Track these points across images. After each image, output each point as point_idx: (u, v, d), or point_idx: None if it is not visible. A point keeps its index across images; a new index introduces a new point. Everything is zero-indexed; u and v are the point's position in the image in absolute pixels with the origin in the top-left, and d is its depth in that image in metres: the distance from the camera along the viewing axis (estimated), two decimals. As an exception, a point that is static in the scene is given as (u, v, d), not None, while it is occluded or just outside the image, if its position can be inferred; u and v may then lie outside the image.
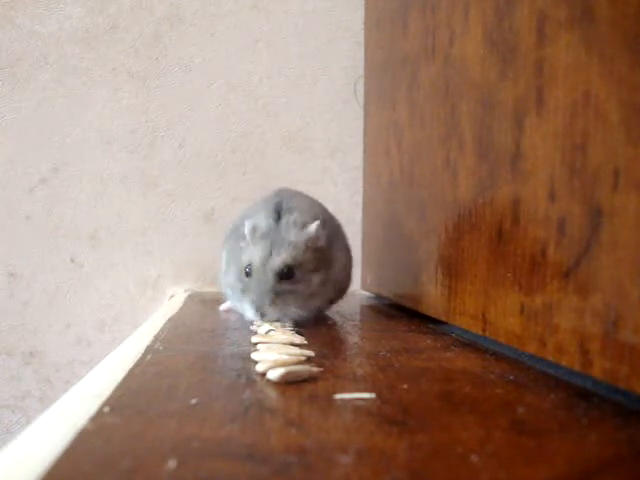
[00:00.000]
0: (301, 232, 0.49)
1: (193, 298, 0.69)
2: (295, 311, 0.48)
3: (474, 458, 0.21)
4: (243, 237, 0.50)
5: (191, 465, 0.20)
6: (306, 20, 0.79)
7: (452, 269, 0.45)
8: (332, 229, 0.54)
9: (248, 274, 0.48)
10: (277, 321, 0.47)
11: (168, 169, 0.78)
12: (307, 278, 0.48)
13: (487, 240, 0.39)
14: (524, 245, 0.34)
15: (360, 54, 0.77)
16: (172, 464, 0.19)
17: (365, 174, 0.75)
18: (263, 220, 0.50)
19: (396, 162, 0.60)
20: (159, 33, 0.77)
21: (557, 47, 0.31)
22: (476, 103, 0.41)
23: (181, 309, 0.59)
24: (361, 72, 0.77)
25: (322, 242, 0.50)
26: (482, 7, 0.40)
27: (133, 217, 0.78)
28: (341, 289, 0.55)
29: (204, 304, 0.64)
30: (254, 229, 0.49)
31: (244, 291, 0.48)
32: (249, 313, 0.47)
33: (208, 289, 0.77)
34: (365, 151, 0.76)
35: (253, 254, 0.48)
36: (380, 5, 0.67)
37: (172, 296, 0.75)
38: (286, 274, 0.47)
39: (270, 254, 0.47)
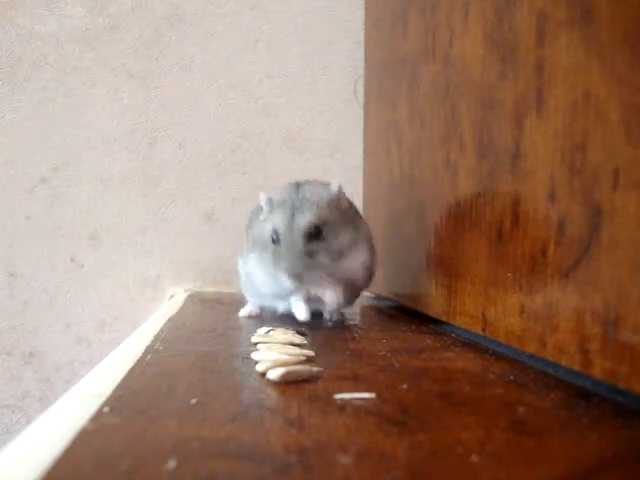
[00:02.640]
0: (322, 193, 0.48)
1: (193, 298, 0.69)
2: (329, 269, 0.46)
3: (474, 458, 0.21)
4: (257, 214, 0.50)
5: (191, 465, 0.20)
6: (306, 20, 0.79)
7: (452, 269, 0.45)
8: (352, 205, 0.52)
9: (275, 240, 0.46)
10: (313, 286, 0.47)
11: (168, 169, 0.78)
12: (335, 235, 0.47)
13: (487, 240, 0.39)
14: (524, 245, 0.34)
15: (360, 54, 0.77)
16: (172, 464, 0.19)
17: (365, 174, 0.75)
18: (280, 193, 0.49)
19: (396, 162, 0.60)
20: (159, 33, 0.77)
21: (557, 47, 0.31)
22: (476, 103, 0.41)
23: (181, 309, 0.59)
24: (361, 72, 0.77)
25: (346, 204, 0.49)
26: (482, 7, 0.40)
27: (133, 217, 0.78)
28: (369, 270, 0.52)
29: (204, 304, 0.64)
30: (270, 200, 0.49)
31: (275, 260, 0.46)
32: (284, 281, 0.45)
33: (208, 289, 0.77)
34: (365, 151, 0.76)
35: (276, 220, 0.47)
36: (380, 5, 0.67)
37: (172, 296, 0.75)
38: (315, 233, 0.46)
39: (293, 216, 0.46)
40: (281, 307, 0.51)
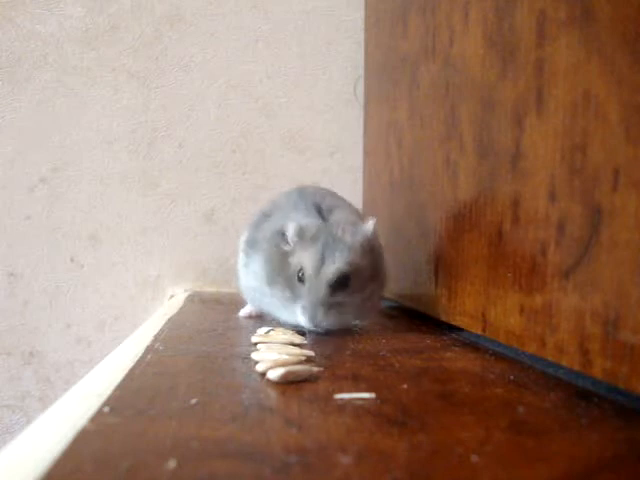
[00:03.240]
0: (356, 232, 0.45)
1: (193, 298, 0.69)
2: (349, 318, 0.45)
3: (474, 458, 0.21)
4: (279, 239, 0.46)
5: (191, 465, 0.20)
6: (306, 20, 0.79)
7: (452, 269, 0.45)
8: (381, 246, 0.50)
9: (300, 279, 0.44)
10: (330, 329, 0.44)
11: (168, 169, 0.78)
12: (362, 287, 0.45)
13: (487, 240, 0.39)
14: (524, 245, 0.34)
15: (360, 54, 0.77)
16: (172, 464, 0.19)
17: (365, 174, 0.75)
18: (307, 220, 0.46)
19: (396, 162, 0.60)
20: (159, 33, 0.77)
21: (557, 47, 0.31)
22: (476, 103, 0.41)
23: (181, 309, 0.59)
24: (361, 72, 0.77)
25: (378, 243, 0.46)
26: (482, 7, 0.40)
27: (133, 217, 0.77)
28: (379, 299, 0.50)
29: (204, 304, 0.64)
30: (302, 230, 0.45)
31: (295, 298, 0.44)
32: (302, 322, 0.44)
33: (208, 289, 0.77)
34: (365, 151, 0.76)
35: (303, 259, 0.44)
36: (380, 5, 0.67)
37: (172, 296, 0.75)
38: (341, 284, 0.43)
39: (323, 259, 0.43)
40: (284, 317, 0.47)
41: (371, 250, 0.45)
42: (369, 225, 0.45)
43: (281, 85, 0.79)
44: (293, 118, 0.79)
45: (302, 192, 0.51)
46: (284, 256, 0.45)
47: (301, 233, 0.45)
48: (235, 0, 0.78)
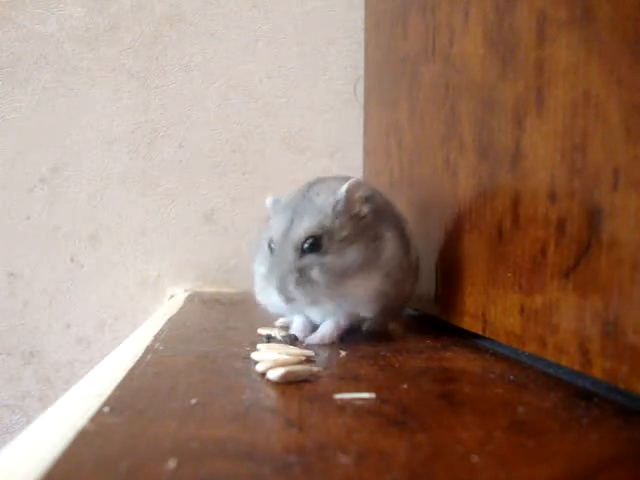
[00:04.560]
0: (330, 196, 0.40)
1: (193, 298, 0.69)
2: (327, 293, 0.39)
3: (474, 458, 0.21)
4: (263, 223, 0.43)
5: (191, 465, 0.20)
6: (306, 20, 0.79)
7: (452, 269, 0.45)
8: (381, 207, 0.44)
9: (271, 250, 0.41)
10: (310, 306, 0.40)
11: (168, 169, 0.78)
12: (340, 250, 0.39)
13: (487, 240, 0.39)
14: (524, 245, 0.34)
15: (360, 54, 0.77)
16: (172, 464, 0.19)
17: (365, 174, 0.75)
18: (289, 194, 0.43)
19: (396, 162, 0.60)
20: (159, 33, 0.77)
21: (557, 47, 0.31)
22: (476, 103, 0.41)
23: (181, 309, 0.59)
24: (361, 72, 0.77)
25: (362, 210, 0.41)
26: (482, 7, 0.40)
27: (133, 217, 0.77)
28: (384, 299, 0.42)
29: (204, 304, 0.64)
30: (276, 202, 0.43)
31: (269, 272, 0.40)
32: (274, 297, 0.40)
33: (208, 289, 0.77)
34: (365, 151, 0.76)
35: (274, 227, 0.41)
36: (380, 5, 0.67)
37: (172, 296, 0.75)
38: (310, 246, 0.39)
39: (291, 225, 0.40)
40: (275, 307, 0.43)
41: (351, 216, 0.40)
42: (342, 188, 0.40)
43: (281, 85, 0.79)
44: (293, 118, 0.79)
45: (314, 178, 0.46)
46: (265, 232, 0.43)
47: (276, 205, 0.43)
48: (235, 0, 0.78)
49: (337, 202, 0.40)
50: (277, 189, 0.74)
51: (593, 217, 0.28)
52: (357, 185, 0.41)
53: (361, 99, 0.78)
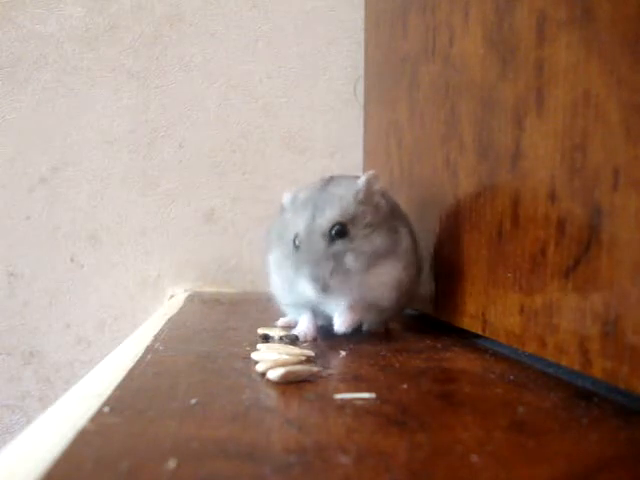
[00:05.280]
0: (350, 187, 0.41)
1: (193, 298, 0.69)
2: (357, 279, 0.40)
3: (474, 458, 0.21)
4: (279, 217, 0.44)
5: (191, 465, 0.20)
6: (306, 20, 0.79)
7: (452, 269, 0.45)
8: (394, 204, 0.45)
9: (296, 246, 0.41)
10: (341, 297, 0.40)
11: (168, 169, 0.78)
12: (366, 235, 0.40)
13: (487, 240, 0.39)
14: (524, 245, 0.34)
15: (360, 54, 0.77)
16: (172, 464, 0.19)
17: (365, 174, 0.75)
18: (305, 191, 0.43)
19: (396, 162, 0.60)
20: (159, 33, 0.77)
21: (557, 47, 0.31)
22: (476, 103, 0.41)
23: (181, 309, 0.59)
24: (361, 72, 0.77)
25: (380, 202, 0.42)
26: (482, 7, 0.40)
27: (133, 217, 0.77)
28: (401, 290, 0.43)
29: (204, 304, 0.64)
30: (295, 198, 0.43)
31: (297, 268, 0.40)
32: (308, 290, 0.39)
33: (208, 289, 0.77)
34: (365, 151, 0.76)
35: (297, 222, 0.41)
36: (380, 5, 0.67)
37: (172, 296, 0.75)
38: (338, 232, 0.40)
39: (314, 217, 0.40)
40: (300, 301, 0.43)
41: (369, 202, 0.41)
42: (362, 178, 0.42)
43: (281, 85, 0.79)
44: (293, 118, 0.79)
45: (327, 176, 0.46)
46: (284, 228, 0.43)
47: (295, 200, 0.43)
48: (235, 0, 0.78)
49: (358, 192, 0.41)
50: (277, 189, 0.75)
51: (593, 217, 0.28)
52: (375, 177, 0.43)
53: (361, 99, 0.78)
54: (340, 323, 0.41)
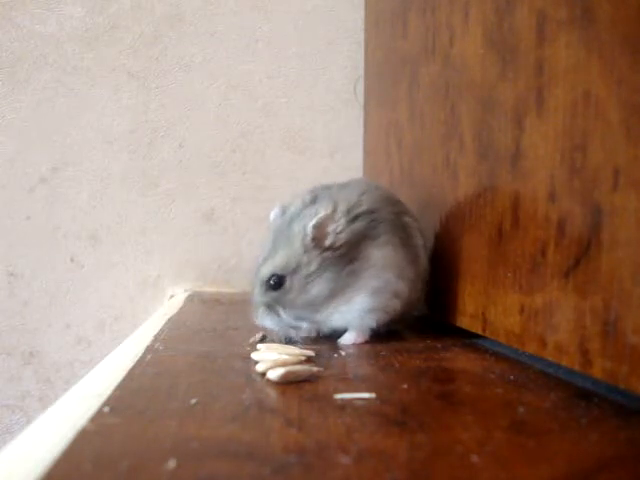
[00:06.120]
0: (302, 228, 0.40)
1: (193, 298, 0.69)
2: (297, 320, 0.41)
3: (474, 458, 0.21)
4: None
5: (191, 465, 0.20)
6: (306, 20, 0.79)
7: (452, 269, 0.45)
8: (379, 221, 0.43)
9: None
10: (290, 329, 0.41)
11: (168, 169, 0.78)
12: (304, 284, 0.40)
13: (487, 240, 0.39)
14: (524, 245, 0.34)
15: (360, 54, 0.77)
16: (172, 464, 0.19)
17: (365, 174, 0.75)
18: (288, 209, 0.43)
19: (396, 162, 0.60)
20: (159, 33, 0.77)
21: (557, 47, 0.31)
22: (476, 103, 0.41)
23: (181, 309, 0.59)
24: (361, 72, 0.77)
25: (336, 241, 0.40)
26: (482, 7, 0.40)
27: (133, 217, 0.77)
28: (404, 298, 0.43)
29: (204, 304, 0.64)
30: (275, 219, 0.43)
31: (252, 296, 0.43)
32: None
33: (208, 289, 0.77)
34: (365, 151, 0.76)
35: (260, 251, 0.43)
36: (380, 5, 0.67)
37: (172, 296, 0.75)
38: (275, 284, 0.40)
39: (264, 260, 0.41)
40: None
41: (323, 248, 0.40)
42: (311, 223, 0.40)
43: (281, 85, 0.79)
44: (293, 118, 0.79)
45: (311, 188, 0.45)
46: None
47: (275, 221, 0.43)
48: (235, 0, 0.78)
49: (305, 236, 0.40)
50: (277, 189, 0.75)
51: (593, 217, 0.28)
52: (329, 218, 0.40)
53: (361, 99, 0.77)
54: (347, 339, 0.42)
